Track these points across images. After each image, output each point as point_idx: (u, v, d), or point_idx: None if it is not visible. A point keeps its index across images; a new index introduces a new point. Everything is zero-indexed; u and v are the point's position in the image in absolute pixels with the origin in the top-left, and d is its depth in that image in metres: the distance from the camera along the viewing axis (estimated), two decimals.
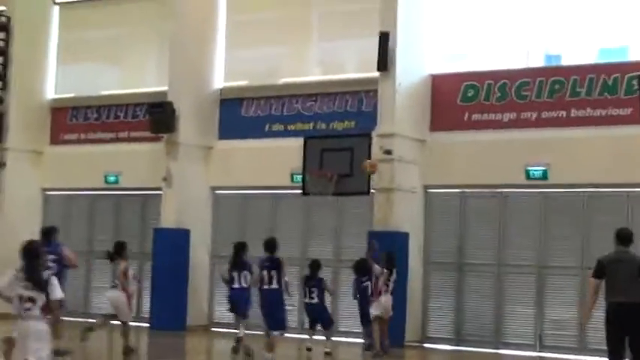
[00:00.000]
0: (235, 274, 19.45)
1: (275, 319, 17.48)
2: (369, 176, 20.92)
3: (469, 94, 22.44)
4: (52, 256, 17.06)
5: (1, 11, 27.49)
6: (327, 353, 19.75)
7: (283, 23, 25.44)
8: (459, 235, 22.24)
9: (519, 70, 22.13)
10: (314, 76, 25.00)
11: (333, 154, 21.54)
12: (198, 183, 25.03)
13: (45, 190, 27.95)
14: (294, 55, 25.73)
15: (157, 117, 24.61)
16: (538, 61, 22.40)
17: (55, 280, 10.89)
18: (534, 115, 21.70)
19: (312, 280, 20.01)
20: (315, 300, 19.89)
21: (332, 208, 23.45)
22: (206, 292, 25.15)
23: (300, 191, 22.34)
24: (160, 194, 24.83)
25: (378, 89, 22.25)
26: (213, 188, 25.34)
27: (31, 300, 10.63)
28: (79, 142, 27.68)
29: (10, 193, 27.09)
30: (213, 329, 24.66)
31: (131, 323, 19.22)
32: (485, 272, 21.77)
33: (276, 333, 17.57)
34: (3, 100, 27.15)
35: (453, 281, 22.23)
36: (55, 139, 28.08)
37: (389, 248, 20.92)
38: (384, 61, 21.85)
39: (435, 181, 22.60)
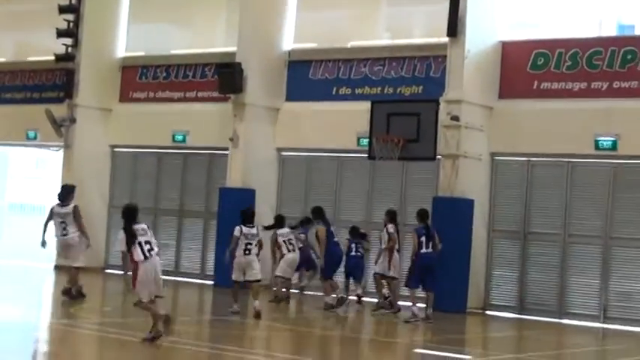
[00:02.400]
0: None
1: None
2: (436, 142, 20.97)
3: (539, 62, 22.26)
4: None
5: None
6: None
7: None
8: (524, 204, 22.15)
9: (591, 39, 21.90)
10: (383, 40, 24.96)
11: (400, 119, 21.55)
12: (265, 144, 25.16)
13: (113, 146, 28.28)
14: (364, 18, 25.68)
15: (225, 77, 24.74)
16: (610, 31, 22.15)
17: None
18: (605, 85, 21.48)
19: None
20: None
21: (397, 173, 23.47)
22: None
23: (365, 155, 22.40)
24: (227, 154, 25.02)
25: (447, 55, 22.15)
26: (280, 150, 25.46)
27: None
28: (147, 100, 27.93)
29: (79, 149, 27.47)
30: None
31: None
32: (550, 241, 21.68)
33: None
34: (74, 57, 27.46)
35: (517, 249, 22.16)
36: (124, 97, 28.37)
37: (453, 214, 21.08)
38: (454, 26, 21.73)
39: (502, 149, 22.51)
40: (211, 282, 24.87)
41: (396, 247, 20.48)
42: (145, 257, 14.07)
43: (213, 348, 14.88)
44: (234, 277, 18.50)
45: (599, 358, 17.16)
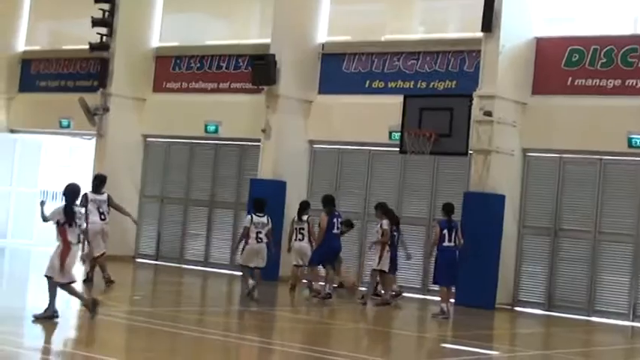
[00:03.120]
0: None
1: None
2: (468, 137, 20.94)
3: (574, 59, 22.15)
4: None
5: None
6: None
7: None
8: (555, 200, 22.07)
9: (627, 37, 21.75)
10: (416, 34, 24.91)
11: (433, 114, 21.52)
12: (297, 136, 25.19)
13: (146, 136, 28.40)
14: (398, 12, 25.65)
15: (258, 69, 24.79)
16: None
17: None
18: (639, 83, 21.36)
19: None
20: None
21: (428, 168, 23.44)
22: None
23: (397, 149, 22.39)
24: (259, 145, 25.07)
25: (481, 50, 22.08)
26: (311, 142, 25.48)
27: None
28: (181, 90, 28.02)
29: (113, 137, 27.60)
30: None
31: None
32: (581, 239, 21.60)
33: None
34: (108, 46, 27.59)
35: (548, 246, 22.08)
36: (158, 87, 28.46)
37: (484, 209, 21.10)
38: (489, 21, 21.66)
39: (534, 145, 22.43)
40: (240, 273, 24.89)
41: (388, 242, 20.49)
42: (78, 241, 14.77)
43: (240, 338, 14.94)
44: (244, 262, 19.58)
45: (627, 357, 17.07)
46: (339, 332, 17.22)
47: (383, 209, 20.87)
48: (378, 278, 20.95)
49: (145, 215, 27.89)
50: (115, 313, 16.16)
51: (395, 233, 20.98)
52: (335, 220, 21.16)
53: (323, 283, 20.99)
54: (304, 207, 22.08)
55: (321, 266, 21.34)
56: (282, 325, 17.53)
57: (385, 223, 20.48)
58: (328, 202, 21.38)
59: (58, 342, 13.75)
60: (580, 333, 19.72)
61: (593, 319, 21.20)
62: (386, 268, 20.53)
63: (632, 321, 20.91)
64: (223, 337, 14.87)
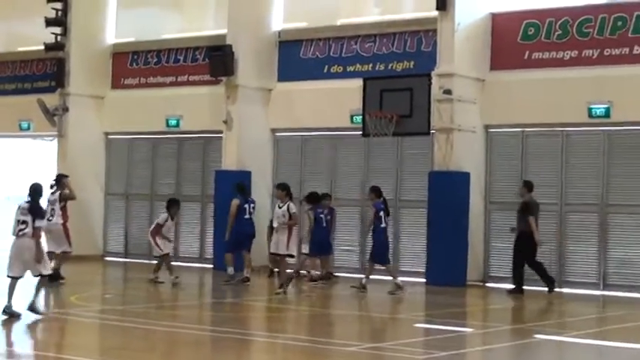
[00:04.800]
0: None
1: None
2: (429, 116, 21.03)
3: (530, 33, 22.24)
4: None
5: None
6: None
7: None
8: (520, 174, 22.16)
9: (581, 7, 21.87)
10: (372, 16, 24.91)
11: (393, 95, 21.54)
12: (259, 125, 25.15)
13: (107, 134, 28.25)
14: None
15: (216, 60, 24.70)
16: None
17: None
18: (596, 53, 21.48)
19: None
20: None
21: (392, 149, 23.48)
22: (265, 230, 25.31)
23: (359, 132, 22.40)
24: (221, 137, 25.01)
25: (437, 29, 22.11)
26: (274, 130, 25.45)
27: None
28: (139, 86, 27.90)
29: (73, 137, 27.42)
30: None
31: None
32: (547, 211, 21.68)
33: None
34: (64, 46, 27.38)
35: (515, 221, 22.15)
36: (116, 84, 28.32)
37: (450, 188, 21.23)
38: (443, 0, 21.69)
39: (496, 121, 22.53)
40: (211, 265, 24.90)
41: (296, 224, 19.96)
42: (17, 236, 14.94)
43: (214, 331, 14.92)
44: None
45: (599, 325, 17.20)
46: (311, 319, 17.23)
47: (285, 190, 19.81)
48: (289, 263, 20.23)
49: (111, 213, 27.79)
50: (87, 313, 16.07)
51: (322, 216, 21.28)
52: (247, 205, 21.31)
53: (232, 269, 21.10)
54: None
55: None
56: (256, 315, 17.50)
57: (292, 205, 19.52)
58: (241, 189, 21.57)
59: (25, 345, 13.63)
60: (552, 305, 19.83)
61: (564, 290, 21.35)
62: (294, 252, 19.75)
63: (603, 290, 21.08)
64: (199, 331, 14.83)
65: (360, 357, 12.71)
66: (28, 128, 29.11)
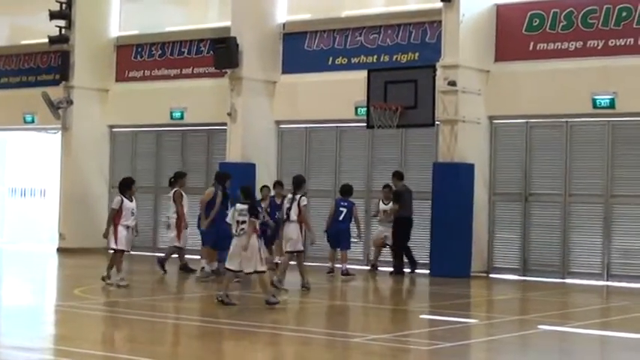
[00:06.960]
0: None
1: None
2: (434, 108, 21.04)
3: (534, 24, 22.22)
4: None
5: None
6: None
7: None
8: (524, 165, 22.19)
9: None
10: (377, 8, 24.88)
11: (397, 87, 21.55)
12: (263, 117, 25.16)
13: (111, 127, 28.29)
14: None
15: (220, 52, 24.71)
16: None
17: None
18: (601, 44, 21.46)
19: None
20: None
21: (396, 141, 23.49)
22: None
23: (364, 124, 22.41)
24: (225, 129, 25.02)
25: (441, 20, 22.10)
26: (278, 122, 25.46)
27: None
28: (144, 79, 27.93)
29: (77, 130, 27.47)
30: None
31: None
32: (552, 202, 21.73)
33: None
34: (68, 39, 27.40)
35: (519, 211, 22.23)
36: (121, 77, 28.34)
37: (454, 179, 21.20)
38: None
39: (500, 112, 22.52)
40: None
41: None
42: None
43: (219, 323, 14.95)
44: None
45: (603, 316, 17.20)
46: (316, 310, 17.25)
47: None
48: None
49: None
50: (92, 306, 16.10)
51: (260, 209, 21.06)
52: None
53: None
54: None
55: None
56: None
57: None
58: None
59: (38, 339, 13.66)
60: (556, 296, 19.83)
61: (568, 281, 21.37)
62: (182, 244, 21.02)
63: (607, 280, 21.09)
64: (203, 323, 14.85)
65: (366, 348, 12.72)
66: (33, 121, 29.15)
